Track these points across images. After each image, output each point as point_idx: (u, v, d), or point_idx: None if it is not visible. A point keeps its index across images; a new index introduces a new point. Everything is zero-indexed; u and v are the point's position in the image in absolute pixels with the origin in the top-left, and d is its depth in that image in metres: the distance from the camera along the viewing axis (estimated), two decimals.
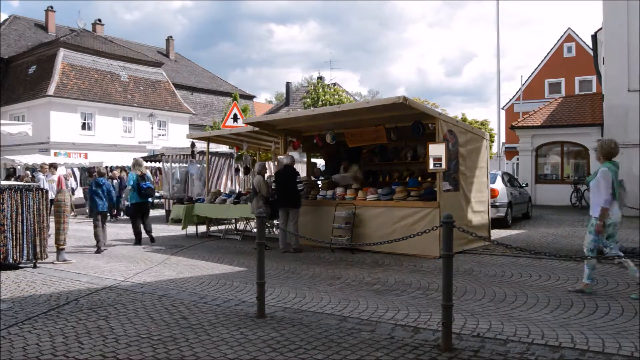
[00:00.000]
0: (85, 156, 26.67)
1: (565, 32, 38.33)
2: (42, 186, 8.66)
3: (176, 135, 32.02)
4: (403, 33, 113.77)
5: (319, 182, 12.18)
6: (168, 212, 15.85)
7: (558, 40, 38.52)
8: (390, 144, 11.11)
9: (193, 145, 14.35)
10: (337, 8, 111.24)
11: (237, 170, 14.74)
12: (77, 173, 21.29)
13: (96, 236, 9.81)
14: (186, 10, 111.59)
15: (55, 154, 25.38)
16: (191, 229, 12.59)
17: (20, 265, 8.01)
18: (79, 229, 13.86)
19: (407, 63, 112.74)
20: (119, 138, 30.30)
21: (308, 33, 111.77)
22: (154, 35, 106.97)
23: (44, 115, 27.59)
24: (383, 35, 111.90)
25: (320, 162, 16.90)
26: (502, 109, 34.99)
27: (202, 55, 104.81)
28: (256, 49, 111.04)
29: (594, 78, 33.08)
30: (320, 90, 35.21)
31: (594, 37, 19.90)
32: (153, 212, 14.65)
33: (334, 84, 40.39)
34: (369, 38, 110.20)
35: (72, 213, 16.02)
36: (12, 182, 9.51)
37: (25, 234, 7.85)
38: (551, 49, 38.69)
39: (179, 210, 12.16)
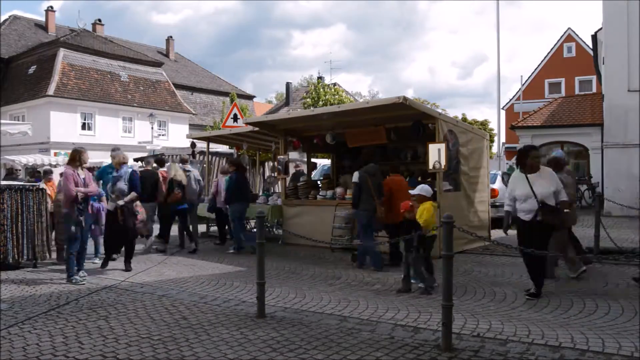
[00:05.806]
0: None
1: (565, 32, 38.32)
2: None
3: (176, 135, 31.96)
4: (421, 38, 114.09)
5: (319, 182, 12.17)
6: None
7: (558, 40, 38.51)
8: (390, 144, 11.10)
9: (193, 145, 14.33)
10: (365, 14, 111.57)
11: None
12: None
13: None
14: (214, 15, 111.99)
15: (55, 154, 25.32)
16: None
17: (20, 265, 8.00)
18: None
19: (419, 66, 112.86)
20: (119, 138, 30.21)
21: (329, 38, 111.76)
22: (183, 39, 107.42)
23: (44, 115, 27.56)
24: (402, 40, 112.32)
25: (320, 162, 16.90)
26: (502, 109, 34.97)
27: (223, 59, 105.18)
28: (275, 53, 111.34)
29: (594, 78, 33.05)
30: (321, 90, 35.19)
31: (594, 37, 19.88)
32: None
33: (334, 84, 40.36)
34: (388, 43, 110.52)
35: None
36: (12, 182, 9.48)
37: (25, 234, 7.85)
38: (551, 49, 38.67)
39: None
